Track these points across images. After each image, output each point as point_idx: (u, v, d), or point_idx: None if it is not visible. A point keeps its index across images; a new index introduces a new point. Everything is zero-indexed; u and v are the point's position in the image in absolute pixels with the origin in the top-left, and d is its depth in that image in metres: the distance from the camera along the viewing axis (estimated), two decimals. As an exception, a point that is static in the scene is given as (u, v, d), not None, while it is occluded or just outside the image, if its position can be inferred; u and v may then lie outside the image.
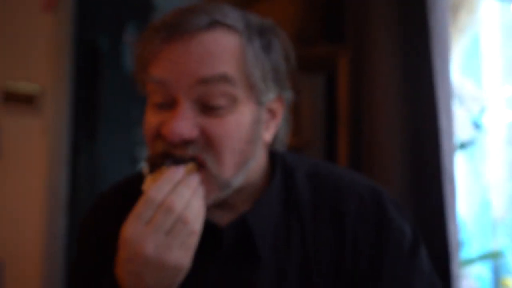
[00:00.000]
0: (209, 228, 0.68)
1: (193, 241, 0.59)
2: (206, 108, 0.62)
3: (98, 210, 0.77)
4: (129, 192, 0.69)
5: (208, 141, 0.62)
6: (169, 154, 0.62)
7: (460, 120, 1.43)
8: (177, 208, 0.58)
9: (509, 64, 1.66)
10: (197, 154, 0.62)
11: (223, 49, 0.62)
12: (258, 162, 0.69)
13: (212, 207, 0.67)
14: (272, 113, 0.69)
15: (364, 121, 1.23)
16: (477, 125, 1.57)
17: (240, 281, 0.68)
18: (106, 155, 3.43)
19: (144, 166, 0.63)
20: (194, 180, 0.61)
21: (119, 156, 3.37)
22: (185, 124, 0.60)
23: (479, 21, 1.59)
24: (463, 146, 1.56)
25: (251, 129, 0.64)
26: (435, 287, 0.70)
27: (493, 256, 1.61)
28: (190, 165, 0.62)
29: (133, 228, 0.57)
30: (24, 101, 2.43)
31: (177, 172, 0.60)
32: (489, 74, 1.68)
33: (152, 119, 0.64)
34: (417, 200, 1.08)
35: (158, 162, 0.62)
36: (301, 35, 1.52)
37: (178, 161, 0.61)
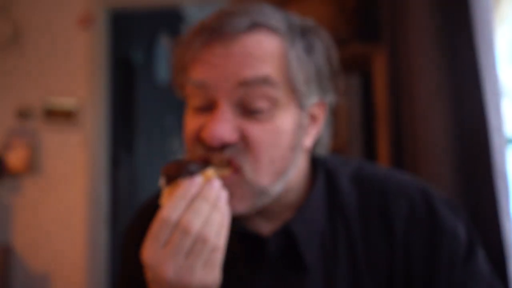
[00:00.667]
0: (254, 238, 0.66)
1: (217, 257, 0.55)
2: (247, 111, 0.60)
3: (140, 221, 0.77)
4: None
5: (247, 146, 0.59)
6: (189, 162, 0.58)
7: (508, 114, 1.36)
8: (194, 227, 0.54)
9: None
10: (233, 158, 0.59)
11: (265, 51, 0.60)
12: (299, 168, 0.67)
13: (254, 216, 0.66)
14: (313, 118, 0.67)
15: (405, 120, 1.18)
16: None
17: (288, 290, 0.66)
18: (143, 166, 3.50)
19: (160, 179, 0.59)
20: (213, 190, 0.56)
21: (155, 166, 3.42)
22: (225, 127, 0.58)
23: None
24: (511, 141, 1.48)
25: (292, 135, 0.62)
26: None
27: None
28: (209, 172, 0.58)
29: (151, 251, 0.54)
30: (64, 116, 2.51)
31: (192, 185, 0.56)
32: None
33: (191, 122, 0.62)
34: (467, 200, 1.03)
35: (174, 174, 0.57)
36: (334, 35, 1.48)
37: (193, 171, 0.57)
